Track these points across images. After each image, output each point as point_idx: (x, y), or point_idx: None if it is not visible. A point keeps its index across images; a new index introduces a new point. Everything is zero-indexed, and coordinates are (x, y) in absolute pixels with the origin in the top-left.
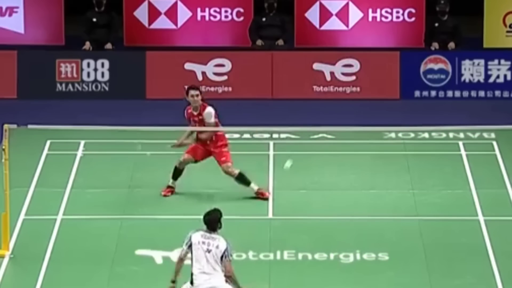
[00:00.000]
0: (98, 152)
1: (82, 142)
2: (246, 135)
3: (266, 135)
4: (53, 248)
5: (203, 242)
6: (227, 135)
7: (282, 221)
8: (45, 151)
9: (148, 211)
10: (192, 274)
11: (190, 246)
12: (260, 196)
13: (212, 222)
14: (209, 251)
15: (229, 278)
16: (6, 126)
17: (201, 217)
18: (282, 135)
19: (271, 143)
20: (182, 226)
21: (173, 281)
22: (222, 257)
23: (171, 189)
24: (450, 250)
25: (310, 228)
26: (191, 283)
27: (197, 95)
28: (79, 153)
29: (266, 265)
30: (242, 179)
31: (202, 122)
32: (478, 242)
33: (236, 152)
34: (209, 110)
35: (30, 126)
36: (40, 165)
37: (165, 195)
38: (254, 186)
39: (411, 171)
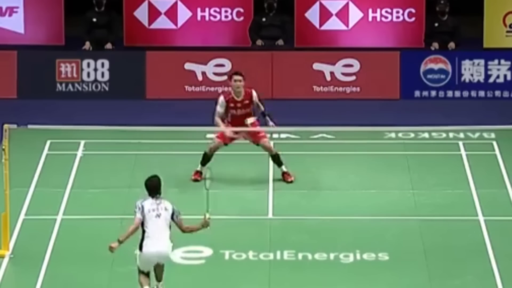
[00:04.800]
0: (98, 152)
1: (82, 142)
2: None
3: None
4: (53, 248)
5: (153, 210)
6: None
7: (282, 221)
8: (45, 151)
9: None
10: (142, 240)
11: (143, 213)
12: (284, 178)
13: (156, 187)
14: (158, 215)
15: (187, 231)
16: (6, 126)
17: (200, 217)
18: (282, 135)
19: (271, 143)
20: None
21: (120, 241)
22: (172, 217)
23: (199, 174)
24: (450, 250)
25: (310, 228)
26: (140, 249)
27: (240, 81)
28: (79, 153)
29: (266, 265)
30: (278, 158)
31: (247, 107)
32: (478, 242)
33: (236, 152)
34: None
35: (30, 126)
36: (40, 165)
37: (195, 180)
38: (284, 168)
39: (411, 171)
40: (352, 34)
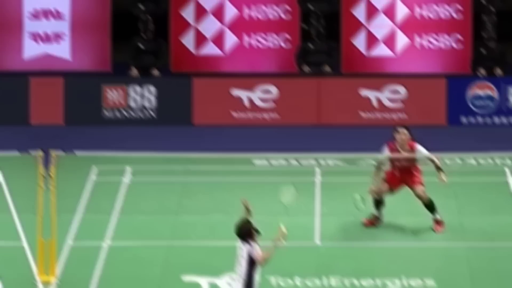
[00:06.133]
0: (145, 179)
1: (129, 169)
2: (293, 161)
3: (313, 162)
4: (100, 274)
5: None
6: (273, 161)
7: (329, 247)
8: (92, 178)
9: (195, 237)
10: None
11: None
12: (434, 227)
13: (243, 235)
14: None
15: (265, 262)
16: (53, 152)
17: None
18: (330, 162)
19: (318, 169)
20: (229, 252)
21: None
22: (250, 256)
23: (374, 220)
24: (497, 276)
25: (356, 254)
26: None
27: (405, 134)
28: (126, 179)
29: None
30: (431, 205)
31: (411, 160)
32: None
33: (282, 178)
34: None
35: (77, 153)
36: (87, 192)
37: (367, 225)
38: (436, 215)
39: (458, 197)
40: (398, 60)
